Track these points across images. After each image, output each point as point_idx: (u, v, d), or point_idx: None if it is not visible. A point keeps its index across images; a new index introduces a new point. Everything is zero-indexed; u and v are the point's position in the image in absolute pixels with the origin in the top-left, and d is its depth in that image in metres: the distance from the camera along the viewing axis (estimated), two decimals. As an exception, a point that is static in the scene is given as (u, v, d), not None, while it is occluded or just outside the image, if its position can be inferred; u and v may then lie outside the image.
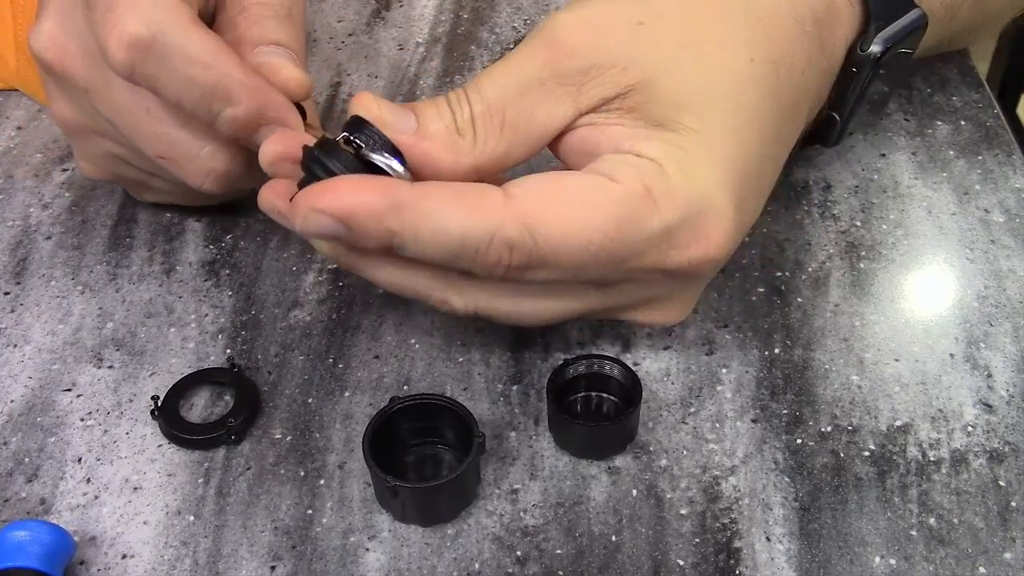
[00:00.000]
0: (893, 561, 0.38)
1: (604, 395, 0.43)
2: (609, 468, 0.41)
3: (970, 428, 0.42)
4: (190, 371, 0.45)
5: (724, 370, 0.44)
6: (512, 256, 0.37)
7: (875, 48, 0.44)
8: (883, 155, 0.54)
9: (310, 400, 0.44)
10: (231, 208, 0.51)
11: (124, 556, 0.39)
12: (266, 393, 0.44)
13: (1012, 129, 0.55)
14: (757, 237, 0.50)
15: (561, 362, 0.42)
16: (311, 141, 0.39)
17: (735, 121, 0.39)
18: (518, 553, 0.39)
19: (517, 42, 0.61)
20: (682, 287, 0.41)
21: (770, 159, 0.42)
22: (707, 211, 0.38)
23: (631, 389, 0.41)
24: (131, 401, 0.44)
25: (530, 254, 0.37)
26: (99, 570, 0.39)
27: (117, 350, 0.46)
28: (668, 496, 0.40)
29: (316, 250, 0.41)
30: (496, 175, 0.40)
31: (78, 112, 0.46)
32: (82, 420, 0.44)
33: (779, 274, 0.48)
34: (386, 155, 0.38)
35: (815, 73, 0.43)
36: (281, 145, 0.40)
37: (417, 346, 0.46)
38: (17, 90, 0.58)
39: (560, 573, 0.39)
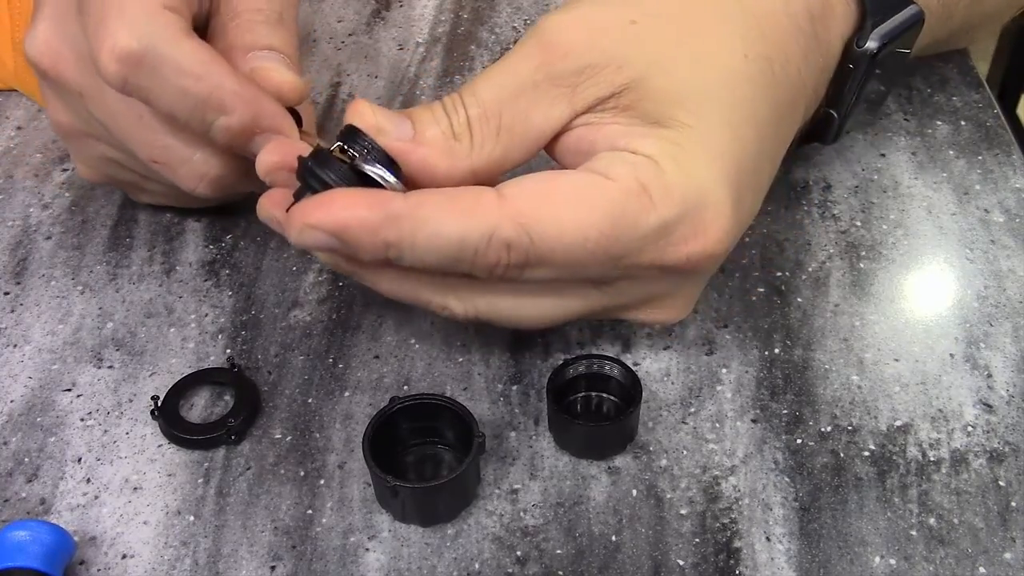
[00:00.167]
0: (893, 561, 0.38)
1: (604, 395, 0.43)
2: (609, 468, 0.41)
3: (970, 428, 0.42)
4: (190, 371, 0.45)
5: (724, 370, 0.44)
6: (510, 255, 0.37)
7: (871, 44, 0.44)
8: (883, 155, 0.54)
9: (310, 400, 0.44)
10: (231, 208, 0.51)
11: (124, 556, 0.39)
12: (266, 393, 0.44)
13: (1012, 129, 0.55)
14: (757, 237, 0.50)
15: (561, 362, 0.42)
16: (307, 150, 0.39)
17: (730, 117, 0.39)
18: (518, 553, 0.39)
19: (517, 42, 0.61)
20: (682, 284, 0.41)
21: (767, 155, 0.42)
22: (704, 206, 0.38)
23: (631, 389, 0.41)
24: (131, 401, 0.44)
25: (527, 252, 0.37)
26: (99, 570, 0.39)
27: (117, 350, 0.46)
28: (668, 496, 0.40)
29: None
30: (493, 179, 0.40)
31: (73, 116, 0.46)
32: (82, 420, 0.44)
33: (779, 274, 0.48)
34: (379, 167, 0.38)
35: (811, 69, 0.43)
36: (277, 155, 0.40)
37: (417, 346, 0.46)
38: (16, 90, 0.58)
39: (560, 573, 0.39)
